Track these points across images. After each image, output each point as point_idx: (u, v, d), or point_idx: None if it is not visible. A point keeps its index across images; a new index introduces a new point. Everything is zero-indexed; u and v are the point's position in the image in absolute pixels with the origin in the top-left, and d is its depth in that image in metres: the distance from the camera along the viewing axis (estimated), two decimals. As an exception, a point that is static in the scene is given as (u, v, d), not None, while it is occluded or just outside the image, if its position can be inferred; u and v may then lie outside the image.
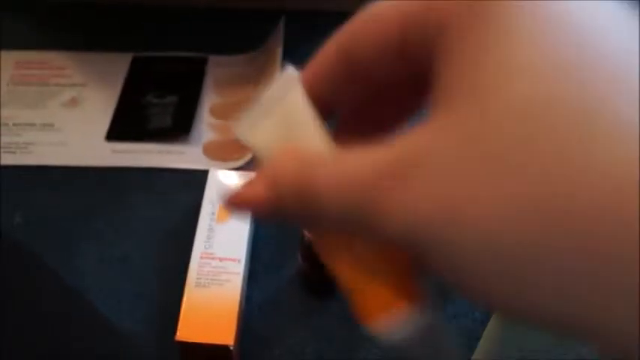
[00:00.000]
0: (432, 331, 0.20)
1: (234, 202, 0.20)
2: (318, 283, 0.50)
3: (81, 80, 0.65)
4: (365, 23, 0.19)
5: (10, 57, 0.66)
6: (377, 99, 0.22)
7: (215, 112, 0.62)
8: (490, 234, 0.15)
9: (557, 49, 0.15)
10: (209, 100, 0.63)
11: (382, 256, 0.20)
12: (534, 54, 0.15)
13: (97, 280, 0.51)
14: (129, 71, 0.65)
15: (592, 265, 0.14)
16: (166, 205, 0.55)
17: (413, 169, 0.16)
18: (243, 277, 0.47)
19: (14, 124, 0.61)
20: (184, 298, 0.45)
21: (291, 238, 0.51)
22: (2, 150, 0.58)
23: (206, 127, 0.61)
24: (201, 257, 0.47)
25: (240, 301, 0.46)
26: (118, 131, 0.60)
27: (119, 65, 0.66)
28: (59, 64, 0.66)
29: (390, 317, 0.20)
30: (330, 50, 0.20)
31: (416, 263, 0.19)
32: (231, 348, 0.43)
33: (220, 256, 0.47)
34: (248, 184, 0.19)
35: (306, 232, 0.44)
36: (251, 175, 0.20)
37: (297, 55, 0.32)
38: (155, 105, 0.62)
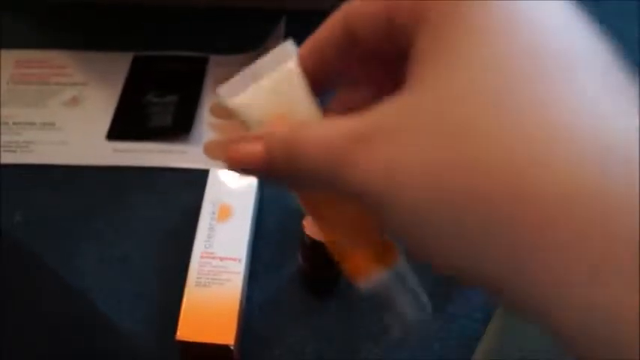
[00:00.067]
0: (403, 275, 0.24)
1: (234, 158, 0.22)
2: (319, 283, 0.50)
3: (82, 79, 0.65)
4: (362, 2, 0.22)
5: (11, 56, 0.66)
6: (369, 76, 0.24)
7: (216, 112, 0.62)
8: (417, 194, 0.18)
9: (503, 47, 0.17)
10: (210, 99, 0.63)
11: (359, 217, 0.23)
12: (483, 51, 0.17)
13: (98, 279, 0.51)
14: (129, 70, 0.65)
15: (484, 221, 0.17)
16: (167, 204, 0.55)
17: (373, 135, 0.19)
18: (244, 276, 0.47)
19: (14, 123, 0.61)
20: (185, 298, 0.45)
21: (291, 238, 0.51)
22: (2, 149, 0.58)
23: (207, 126, 0.61)
24: (202, 257, 0.47)
25: (241, 301, 0.46)
26: (119, 130, 0.60)
27: (120, 64, 0.66)
28: (60, 63, 0.66)
29: (371, 272, 0.23)
30: (330, 22, 0.23)
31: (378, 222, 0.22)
32: (232, 347, 0.43)
33: (221, 256, 0.47)
34: (245, 144, 0.22)
35: (306, 233, 0.45)
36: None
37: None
38: (155, 104, 0.62)
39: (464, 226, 0.17)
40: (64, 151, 0.59)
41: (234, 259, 0.47)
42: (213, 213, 0.50)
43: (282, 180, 0.22)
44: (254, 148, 0.22)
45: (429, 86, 0.18)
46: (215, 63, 0.66)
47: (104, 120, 0.61)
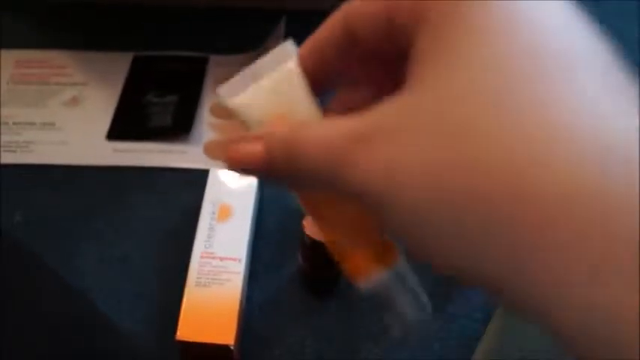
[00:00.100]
0: (403, 275, 0.24)
1: (234, 158, 0.22)
2: (319, 283, 0.50)
3: (82, 79, 0.65)
4: (362, 2, 0.22)
5: (11, 56, 0.66)
6: (369, 76, 0.24)
7: (216, 112, 0.62)
8: (417, 194, 0.18)
9: (503, 47, 0.17)
10: (210, 99, 0.63)
11: (359, 217, 0.23)
12: (483, 51, 0.17)
13: (98, 279, 0.51)
14: (129, 70, 0.65)
15: (484, 221, 0.17)
16: (167, 204, 0.55)
17: (373, 135, 0.19)
18: (244, 276, 0.47)
19: (14, 123, 0.61)
20: (185, 298, 0.45)
21: (291, 238, 0.51)
22: (2, 149, 0.58)
23: (207, 126, 0.61)
24: (202, 257, 0.47)
25: (241, 301, 0.46)
26: (119, 130, 0.60)
27: (120, 64, 0.66)
28: (60, 63, 0.66)
29: (371, 272, 0.23)
30: (330, 22, 0.23)
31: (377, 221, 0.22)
32: (232, 347, 0.43)
33: (221, 256, 0.47)
34: (245, 144, 0.22)
35: (306, 233, 0.44)
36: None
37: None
38: (156, 104, 0.62)
39: (464, 226, 0.17)
40: (64, 151, 0.59)
41: (234, 259, 0.47)
42: (214, 213, 0.50)
43: (282, 180, 0.22)
44: (254, 148, 0.22)
45: (428, 86, 0.18)
46: (215, 63, 0.66)
47: (104, 120, 0.61)
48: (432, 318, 0.49)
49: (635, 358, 0.15)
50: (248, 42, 0.66)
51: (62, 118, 0.61)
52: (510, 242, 0.16)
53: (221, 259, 0.47)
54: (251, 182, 0.52)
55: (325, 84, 0.24)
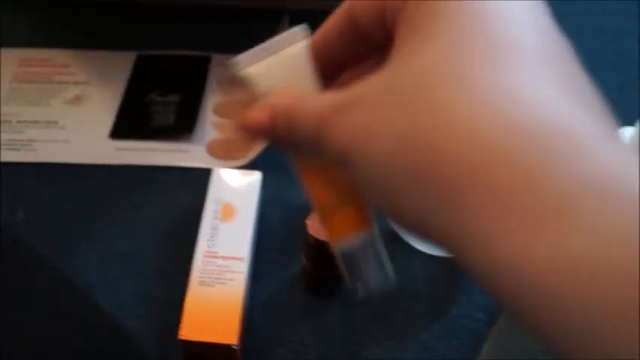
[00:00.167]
0: (375, 245, 0.27)
1: (244, 123, 0.25)
2: (322, 283, 0.50)
3: (85, 78, 0.65)
4: None
5: (14, 54, 0.66)
6: (368, 63, 0.27)
7: (218, 111, 0.62)
8: (380, 154, 0.20)
9: (465, 35, 0.20)
10: (212, 98, 0.62)
11: (343, 182, 0.26)
12: (445, 37, 0.20)
13: (100, 278, 0.50)
14: (132, 69, 0.65)
15: (434, 182, 0.19)
16: (169, 203, 0.55)
17: (351, 105, 0.22)
18: (247, 276, 0.47)
19: (17, 121, 0.61)
20: (188, 297, 0.45)
21: (294, 238, 0.51)
22: (5, 147, 0.58)
23: (210, 125, 0.60)
24: (205, 256, 0.47)
25: (244, 300, 0.46)
26: (122, 129, 0.60)
27: (123, 63, 0.65)
28: (63, 62, 0.66)
29: (349, 233, 0.27)
30: (338, 12, 0.26)
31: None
32: (235, 347, 0.43)
33: (224, 255, 0.47)
34: (254, 112, 0.25)
35: (310, 232, 0.44)
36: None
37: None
38: (158, 103, 0.62)
39: (414, 181, 0.20)
40: (67, 149, 0.59)
41: (238, 259, 0.47)
42: (216, 212, 0.50)
43: (283, 145, 0.25)
44: (261, 116, 0.25)
45: (400, 65, 0.21)
46: (218, 62, 0.65)
47: (107, 119, 0.61)
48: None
49: (540, 302, 0.17)
50: (251, 41, 0.65)
51: (65, 116, 0.61)
52: (438, 194, 0.19)
53: (224, 258, 0.47)
54: (254, 181, 0.52)
55: (331, 68, 0.27)
